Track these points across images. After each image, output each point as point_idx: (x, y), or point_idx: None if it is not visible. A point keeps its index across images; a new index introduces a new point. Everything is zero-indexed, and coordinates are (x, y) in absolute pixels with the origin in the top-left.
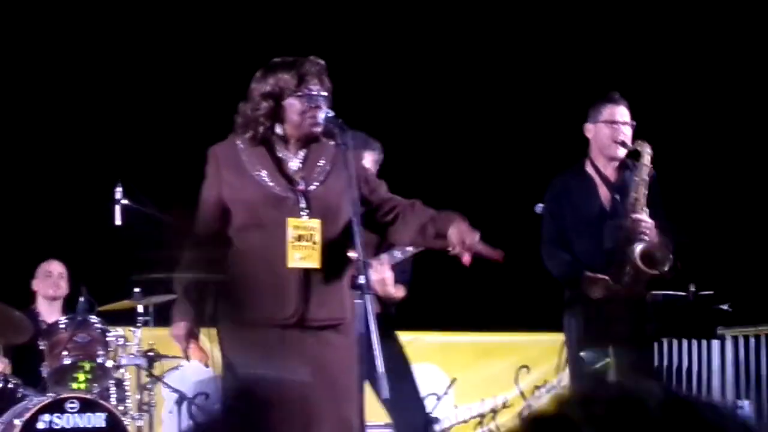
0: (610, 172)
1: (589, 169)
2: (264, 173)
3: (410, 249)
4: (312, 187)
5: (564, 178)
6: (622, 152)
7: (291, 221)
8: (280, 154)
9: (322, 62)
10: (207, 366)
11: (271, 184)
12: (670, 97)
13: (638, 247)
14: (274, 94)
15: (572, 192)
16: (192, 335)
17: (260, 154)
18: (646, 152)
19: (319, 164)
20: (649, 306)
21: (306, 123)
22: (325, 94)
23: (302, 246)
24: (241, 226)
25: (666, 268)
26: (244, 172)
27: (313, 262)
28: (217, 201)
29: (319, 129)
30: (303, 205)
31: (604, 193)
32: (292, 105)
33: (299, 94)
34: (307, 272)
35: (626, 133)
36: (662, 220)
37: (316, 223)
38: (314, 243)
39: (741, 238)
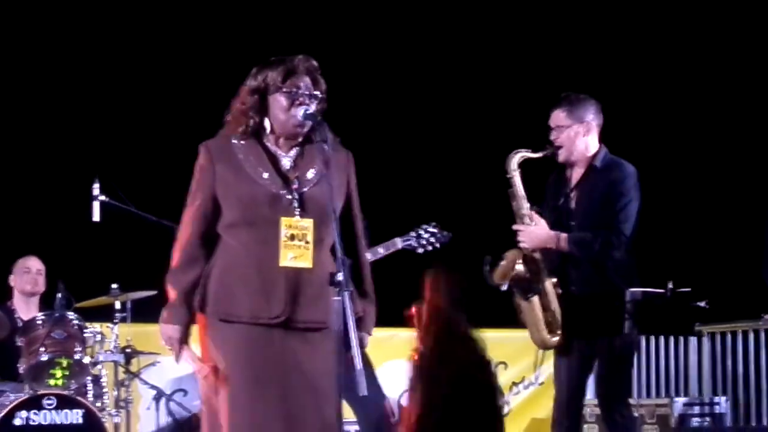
0: (575, 175)
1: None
2: (260, 170)
3: (381, 251)
4: (306, 188)
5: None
6: (561, 156)
7: (284, 220)
8: (273, 151)
9: (314, 62)
10: (204, 376)
11: (267, 182)
12: (654, 96)
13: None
14: (261, 89)
15: (550, 188)
16: (185, 341)
17: (255, 150)
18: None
19: (314, 165)
20: (625, 302)
21: (290, 120)
22: (315, 92)
23: (295, 245)
24: (232, 223)
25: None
26: (240, 169)
27: (306, 261)
28: (211, 196)
29: (302, 128)
30: (297, 204)
31: (566, 194)
32: (277, 101)
33: (284, 90)
34: (297, 273)
35: (553, 136)
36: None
37: (308, 222)
38: (306, 243)
39: (718, 236)
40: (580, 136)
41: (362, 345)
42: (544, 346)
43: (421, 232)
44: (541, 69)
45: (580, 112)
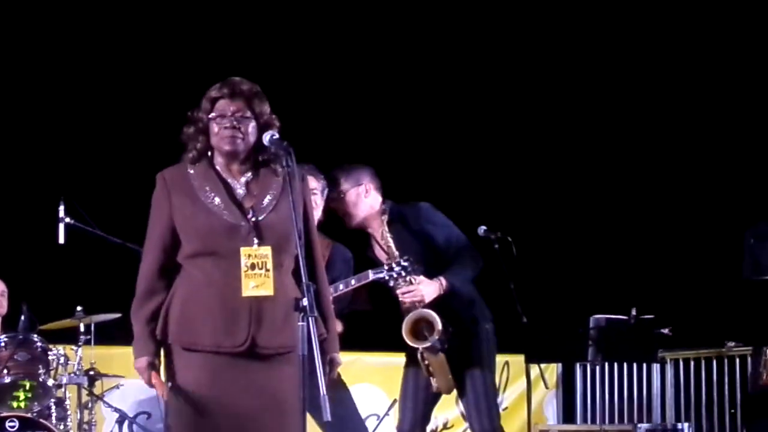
0: (378, 236)
1: None
2: (216, 201)
3: (353, 282)
4: (262, 216)
5: None
6: (351, 221)
7: (244, 250)
8: (226, 179)
9: (247, 84)
10: (164, 397)
11: (223, 212)
12: (617, 123)
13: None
14: (198, 119)
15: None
16: (153, 368)
17: (210, 179)
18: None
19: (268, 191)
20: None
21: (220, 143)
22: (246, 115)
23: (255, 274)
24: (192, 253)
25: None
26: (196, 199)
27: (267, 290)
28: (169, 227)
29: (234, 148)
30: (254, 233)
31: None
32: (211, 127)
33: (213, 115)
34: (259, 300)
35: (336, 204)
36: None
37: (267, 250)
38: (267, 270)
39: (682, 264)
40: (361, 198)
41: (335, 365)
42: (450, 391)
43: (393, 265)
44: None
45: (354, 176)
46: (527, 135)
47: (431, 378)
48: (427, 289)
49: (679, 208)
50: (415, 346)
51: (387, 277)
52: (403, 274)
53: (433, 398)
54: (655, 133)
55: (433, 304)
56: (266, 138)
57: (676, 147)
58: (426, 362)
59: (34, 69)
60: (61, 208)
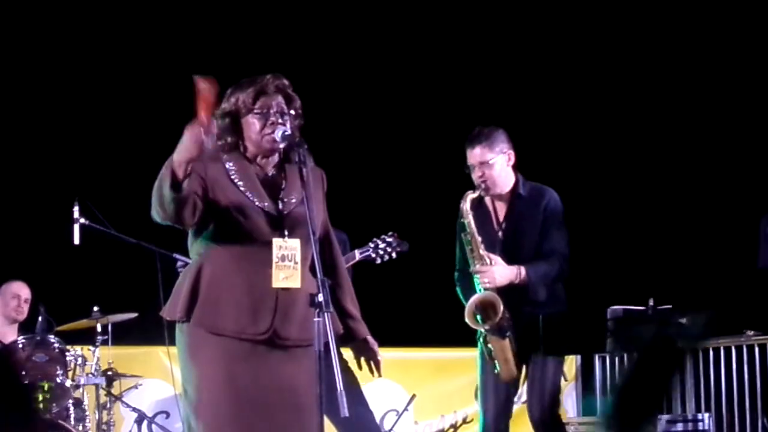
0: (499, 206)
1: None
2: (250, 186)
3: (352, 259)
4: (291, 208)
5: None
6: (491, 190)
7: (276, 241)
8: (258, 170)
9: (285, 80)
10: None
11: (256, 198)
12: (646, 115)
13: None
14: (233, 112)
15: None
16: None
17: (243, 168)
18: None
19: (295, 185)
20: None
21: (264, 140)
22: (288, 111)
23: (285, 266)
24: (221, 234)
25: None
26: (231, 181)
27: (295, 282)
28: (201, 186)
29: (277, 146)
30: (285, 224)
31: (495, 226)
32: (250, 123)
33: (256, 111)
34: (285, 291)
35: (478, 174)
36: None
37: (296, 242)
38: (295, 263)
39: (700, 253)
40: (504, 168)
41: (374, 347)
42: (512, 380)
43: (379, 242)
44: (501, 81)
45: (498, 144)
46: (542, 125)
47: (495, 362)
48: (501, 271)
49: (695, 197)
50: (474, 327)
51: (374, 255)
52: (389, 250)
53: (514, 389)
54: (671, 123)
55: (518, 293)
56: (278, 134)
57: (693, 136)
58: (489, 345)
59: (48, 70)
60: (76, 209)
